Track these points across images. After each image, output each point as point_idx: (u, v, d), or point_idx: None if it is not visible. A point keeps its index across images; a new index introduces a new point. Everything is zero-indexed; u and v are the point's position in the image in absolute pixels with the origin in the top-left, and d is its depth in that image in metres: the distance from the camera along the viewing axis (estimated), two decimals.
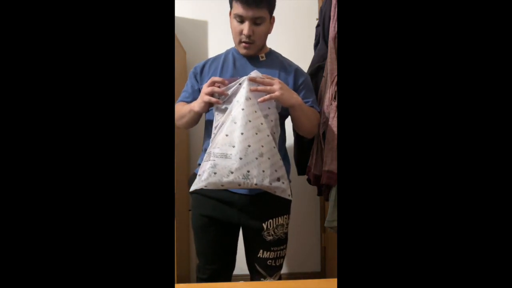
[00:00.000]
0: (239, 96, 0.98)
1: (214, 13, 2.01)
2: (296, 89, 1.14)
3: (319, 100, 1.26)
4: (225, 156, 0.94)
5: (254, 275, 1.20)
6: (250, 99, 0.97)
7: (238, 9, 1.05)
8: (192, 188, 1.00)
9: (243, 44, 1.11)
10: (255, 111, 0.97)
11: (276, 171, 0.97)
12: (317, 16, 1.81)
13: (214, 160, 0.94)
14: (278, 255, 1.17)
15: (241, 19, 1.06)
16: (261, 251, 1.15)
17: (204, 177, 0.95)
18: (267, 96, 0.98)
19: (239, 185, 0.94)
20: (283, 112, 1.09)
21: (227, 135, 0.95)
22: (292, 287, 0.81)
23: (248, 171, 0.93)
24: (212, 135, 1.02)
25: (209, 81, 1.02)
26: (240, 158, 0.93)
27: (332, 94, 1.14)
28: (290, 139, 1.34)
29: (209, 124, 1.13)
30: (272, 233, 1.14)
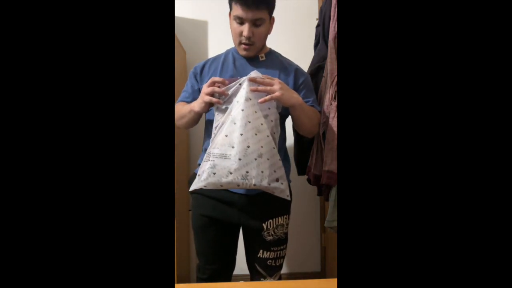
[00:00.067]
0: (239, 97, 0.98)
1: (214, 13, 2.01)
2: (296, 88, 1.14)
3: (319, 100, 1.26)
4: (224, 156, 0.94)
5: (254, 275, 1.20)
6: (250, 99, 0.97)
7: (238, 10, 1.04)
8: (192, 188, 1.00)
9: (243, 45, 1.10)
10: (255, 112, 0.97)
11: (275, 171, 0.97)
12: (317, 16, 1.81)
13: (213, 160, 0.95)
14: (278, 255, 1.17)
15: (241, 21, 1.06)
16: (261, 251, 1.15)
17: (204, 177, 0.95)
18: (268, 97, 0.98)
19: (238, 185, 0.95)
20: (284, 112, 1.09)
21: (226, 136, 0.95)
22: (292, 287, 0.81)
23: (247, 172, 0.93)
24: (212, 135, 1.02)
25: (209, 81, 1.02)
26: (239, 159, 0.93)
27: (332, 94, 1.14)
28: (290, 139, 1.34)
29: (209, 124, 1.13)
30: (272, 233, 1.14)
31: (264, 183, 0.95)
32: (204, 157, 0.99)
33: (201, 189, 0.99)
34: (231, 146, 0.94)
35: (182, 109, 1.13)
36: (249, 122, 0.95)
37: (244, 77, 0.99)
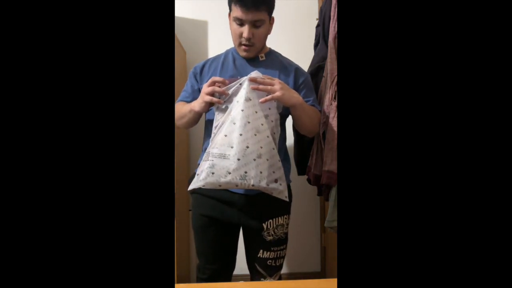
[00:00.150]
0: (239, 97, 0.98)
1: (214, 13, 2.01)
2: (296, 88, 1.14)
3: (319, 100, 1.26)
4: (223, 156, 0.94)
5: (254, 275, 1.20)
6: (250, 99, 0.97)
7: (237, 12, 1.04)
8: (190, 187, 1.00)
9: (243, 47, 1.10)
10: (255, 112, 0.97)
11: (274, 172, 0.97)
12: (317, 16, 1.81)
13: (212, 160, 0.95)
14: (278, 255, 1.17)
15: (241, 22, 1.06)
16: (261, 251, 1.15)
17: (202, 176, 0.95)
18: (269, 96, 0.98)
19: (237, 185, 0.95)
20: (284, 112, 1.09)
21: (226, 136, 0.95)
22: (292, 287, 0.81)
23: (246, 172, 0.93)
24: (212, 135, 1.02)
25: (209, 81, 1.02)
26: (238, 159, 0.93)
27: (332, 94, 1.14)
28: (290, 139, 1.34)
29: (209, 123, 1.13)
30: (272, 233, 1.14)
31: (263, 183, 0.95)
32: (203, 157, 0.99)
33: (200, 188, 0.99)
34: (230, 146, 0.94)
35: (182, 109, 1.13)
36: (249, 122, 0.95)
37: (245, 77, 0.99)
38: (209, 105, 1.05)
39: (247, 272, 1.24)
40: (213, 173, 0.94)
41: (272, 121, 1.02)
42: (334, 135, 1.11)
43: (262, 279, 1.17)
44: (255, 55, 1.15)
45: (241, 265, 1.27)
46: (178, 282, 1.33)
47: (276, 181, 0.98)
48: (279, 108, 1.05)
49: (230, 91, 1.00)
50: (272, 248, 1.15)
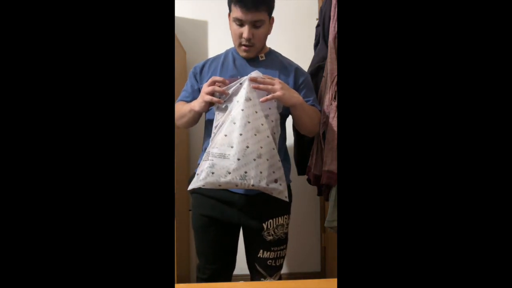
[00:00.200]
0: (239, 96, 0.98)
1: (214, 13, 2.01)
2: (296, 88, 1.14)
3: (319, 100, 1.26)
4: (223, 156, 0.94)
5: (254, 275, 1.20)
6: (250, 99, 0.97)
7: (237, 13, 1.04)
8: (190, 187, 1.00)
9: (243, 47, 1.10)
10: (256, 112, 0.97)
11: (274, 172, 0.97)
12: (317, 16, 1.81)
13: (212, 160, 0.95)
14: (278, 255, 1.17)
15: (241, 23, 1.06)
16: (261, 251, 1.15)
17: (202, 176, 0.95)
18: (269, 96, 0.98)
19: (237, 185, 0.95)
20: (284, 112, 1.09)
21: (226, 135, 0.95)
22: (292, 287, 0.81)
23: (246, 172, 0.93)
24: (212, 135, 1.02)
25: (209, 81, 1.02)
26: (238, 159, 0.93)
27: (332, 94, 1.14)
28: (290, 139, 1.34)
29: (209, 123, 1.14)
30: (272, 233, 1.14)
31: (263, 183, 0.95)
32: (203, 157, 0.99)
33: (200, 188, 0.99)
34: (230, 146, 0.94)
35: (182, 109, 1.13)
36: (249, 122, 0.95)
37: (245, 77, 0.99)
38: (209, 105, 1.05)
39: (247, 272, 1.24)
40: (213, 173, 0.94)
41: (272, 121, 1.02)
42: (334, 135, 1.11)
43: (262, 279, 1.17)
44: (255, 55, 1.15)
45: (241, 265, 1.27)
46: (178, 282, 1.33)
47: (276, 181, 0.97)
48: (279, 108, 1.05)
49: (230, 91, 1.00)
50: (272, 248, 1.15)
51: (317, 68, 1.38)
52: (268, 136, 0.97)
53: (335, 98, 1.13)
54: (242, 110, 0.96)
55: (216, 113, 1.04)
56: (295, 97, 1.04)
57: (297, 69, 1.19)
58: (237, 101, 0.98)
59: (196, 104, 1.06)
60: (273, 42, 1.26)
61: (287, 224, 1.19)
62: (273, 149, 0.98)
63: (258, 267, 1.17)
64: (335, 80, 1.13)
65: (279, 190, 0.99)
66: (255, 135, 0.95)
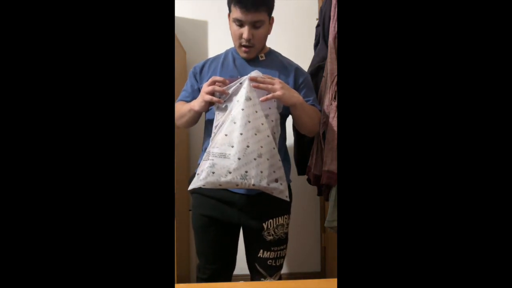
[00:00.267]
0: (239, 96, 0.98)
1: (214, 13, 2.01)
2: (296, 88, 1.14)
3: (319, 100, 1.26)
4: (223, 156, 0.94)
5: (254, 275, 1.20)
6: (250, 99, 0.97)
7: (237, 13, 1.04)
8: (191, 187, 1.00)
9: (244, 48, 1.11)
10: (256, 111, 0.97)
11: (274, 172, 0.97)
12: (317, 16, 1.81)
13: (212, 159, 0.95)
14: (278, 255, 1.17)
15: (240, 23, 1.06)
16: (261, 251, 1.15)
17: (203, 176, 0.95)
18: (269, 95, 0.98)
19: (237, 185, 0.95)
20: (284, 112, 1.09)
21: (226, 135, 0.95)
22: (292, 287, 0.81)
23: (246, 172, 0.93)
24: (212, 134, 1.02)
25: (209, 80, 1.02)
26: (239, 159, 0.93)
27: (332, 94, 1.14)
28: (290, 139, 1.34)
29: (209, 123, 1.14)
30: (272, 233, 1.14)
31: (263, 183, 0.95)
32: (204, 156, 0.99)
33: (201, 188, 0.99)
34: (230, 145, 0.94)
35: (182, 108, 1.13)
36: (249, 122, 0.95)
37: (245, 76, 0.99)
38: (209, 105, 1.05)
39: (247, 272, 1.24)
40: (213, 173, 0.94)
41: (272, 121, 1.02)
42: (334, 135, 1.11)
43: (262, 279, 1.17)
44: (255, 55, 1.15)
45: (241, 265, 1.27)
46: (178, 282, 1.33)
47: (276, 180, 0.97)
48: (279, 108, 1.05)
49: (230, 91, 1.00)
50: (272, 248, 1.15)
51: (317, 68, 1.38)
52: (268, 136, 0.97)
53: (335, 98, 1.13)
54: (242, 109, 0.95)
55: (216, 113, 1.04)
56: (295, 96, 1.04)
57: (297, 69, 1.19)
58: (237, 101, 0.98)
59: (196, 104, 1.06)
60: (273, 42, 1.26)
61: (287, 224, 1.19)
62: (274, 148, 0.98)
63: (258, 267, 1.17)
64: (335, 80, 1.13)
65: (280, 189, 0.99)
66: (256, 134, 0.95)
